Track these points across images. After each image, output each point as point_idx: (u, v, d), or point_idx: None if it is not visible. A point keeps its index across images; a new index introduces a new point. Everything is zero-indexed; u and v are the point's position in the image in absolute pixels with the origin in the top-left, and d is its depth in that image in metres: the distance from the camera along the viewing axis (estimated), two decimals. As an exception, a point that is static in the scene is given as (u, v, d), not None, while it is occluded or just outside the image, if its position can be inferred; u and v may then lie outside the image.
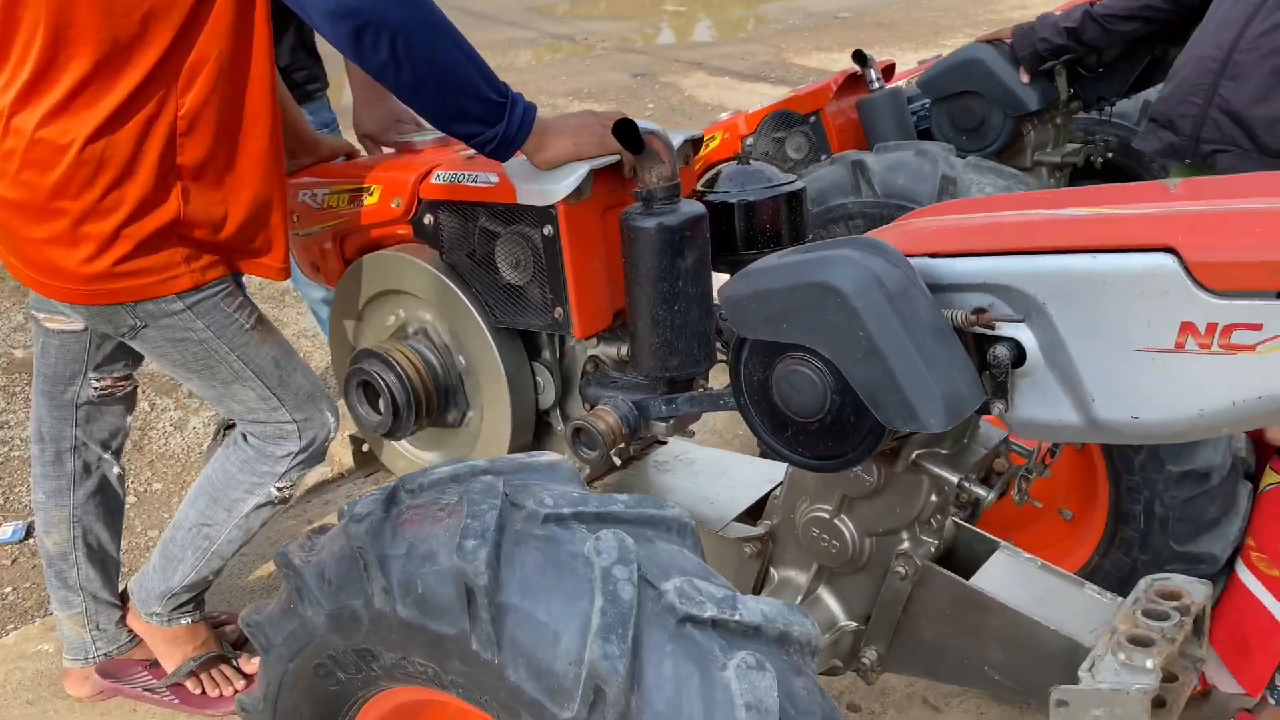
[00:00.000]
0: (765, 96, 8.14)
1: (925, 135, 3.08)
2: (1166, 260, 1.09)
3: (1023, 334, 1.22)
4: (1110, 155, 3.06)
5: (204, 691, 2.04)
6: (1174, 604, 1.39)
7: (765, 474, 1.86)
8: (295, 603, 1.21)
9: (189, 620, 2.01)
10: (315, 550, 1.20)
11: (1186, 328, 1.10)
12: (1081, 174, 3.05)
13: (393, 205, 1.79)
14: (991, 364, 1.23)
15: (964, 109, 2.82)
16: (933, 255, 1.27)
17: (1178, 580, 1.44)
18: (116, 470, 2.09)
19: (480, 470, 1.16)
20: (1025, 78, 2.73)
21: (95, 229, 1.61)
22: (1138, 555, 1.91)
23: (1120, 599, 1.46)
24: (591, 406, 1.78)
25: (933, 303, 1.22)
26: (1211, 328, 1.08)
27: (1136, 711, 1.26)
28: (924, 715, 2.18)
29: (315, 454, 1.90)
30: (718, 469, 1.90)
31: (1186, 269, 1.08)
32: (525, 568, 1.01)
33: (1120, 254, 1.12)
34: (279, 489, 1.89)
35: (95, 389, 2.00)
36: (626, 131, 1.48)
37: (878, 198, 2.35)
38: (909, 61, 4.93)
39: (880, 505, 1.51)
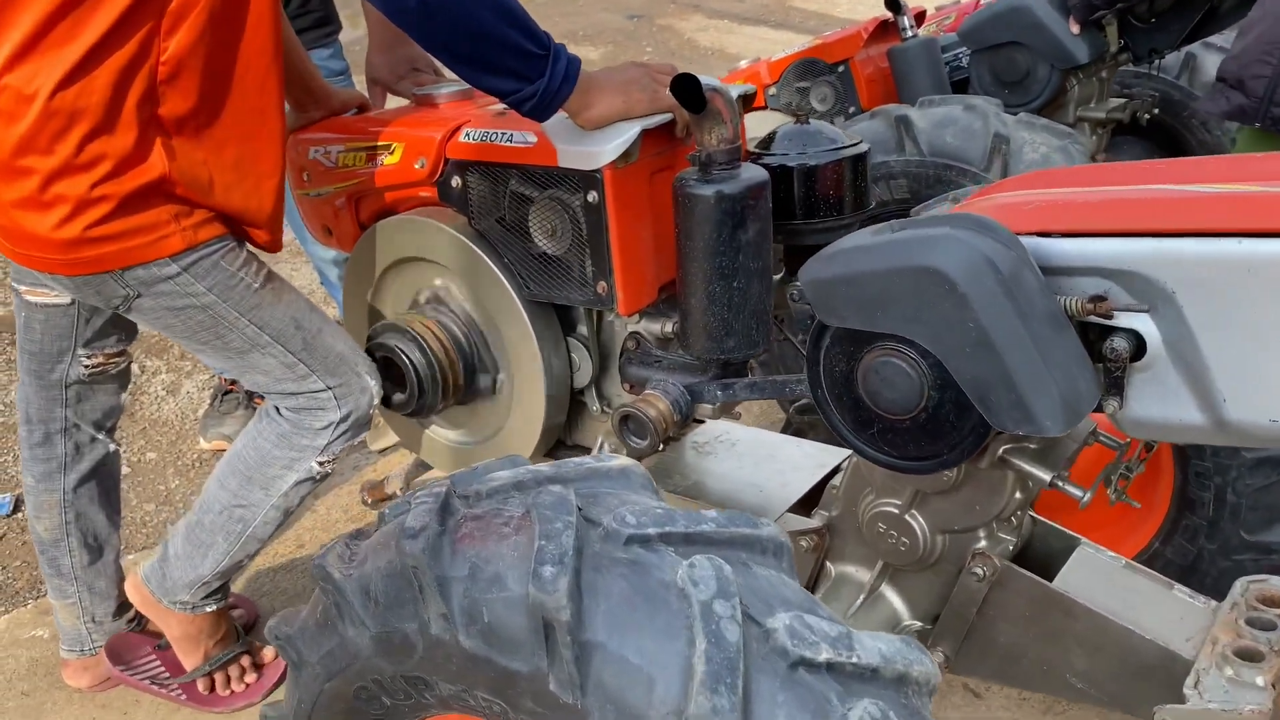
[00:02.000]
0: (765, 41, 7.91)
1: (959, 87, 2.93)
2: (1328, 248, 0.96)
3: (1144, 325, 1.09)
4: (1155, 111, 2.92)
5: (214, 689, 1.92)
6: (1278, 611, 1.29)
7: (815, 458, 1.74)
8: (334, 619, 1.08)
9: (215, 606, 1.87)
10: (357, 562, 1.07)
11: (1347, 324, 0.98)
12: (1124, 131, 2.91)
13: (416, 166, 1.64)
14: (1107, 357, 1.11)
15: (1007, 61, 2.66)
16: (1042, 234, 1.14)
17: (1278, 583, 1.34)
18: (112, 449, 1.94)
19: (546, 477, 1.03)
20: (1075, 28, 2.57)
21: (69, 189, 1.42)
22: (1204, 544, 1.81)
23: (1213, 603, 1.36)
24: (632, 387, 1.66)
25: (1047, 289, 1.10)
26: (1377, 325, 0.96)
27: (1249, 733, 1.16)
28: (965, 701, 2.09)
29: (358, 423, 1.72)
30: (763, 451, 1.77)
31: (1352, 258, 0.95)
32: (611, 599, 0.88)
33: (1273, 238, 0.99)
34: (320, 463, 1.72)
35: (86, 367, 1.83)
36: (687, 88, 1.33)
37: (923, 156, 2.21)
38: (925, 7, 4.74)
39: (959, 502, 1.40)
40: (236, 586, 2.24)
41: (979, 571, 1.40)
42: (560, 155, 1.47)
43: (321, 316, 1.71)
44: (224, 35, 1.47)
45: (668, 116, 1.47)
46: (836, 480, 1.62)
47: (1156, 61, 2.83)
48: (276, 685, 1.97)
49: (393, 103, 1.93)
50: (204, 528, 1.77)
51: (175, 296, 1.56)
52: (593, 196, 1.47)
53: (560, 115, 1.47)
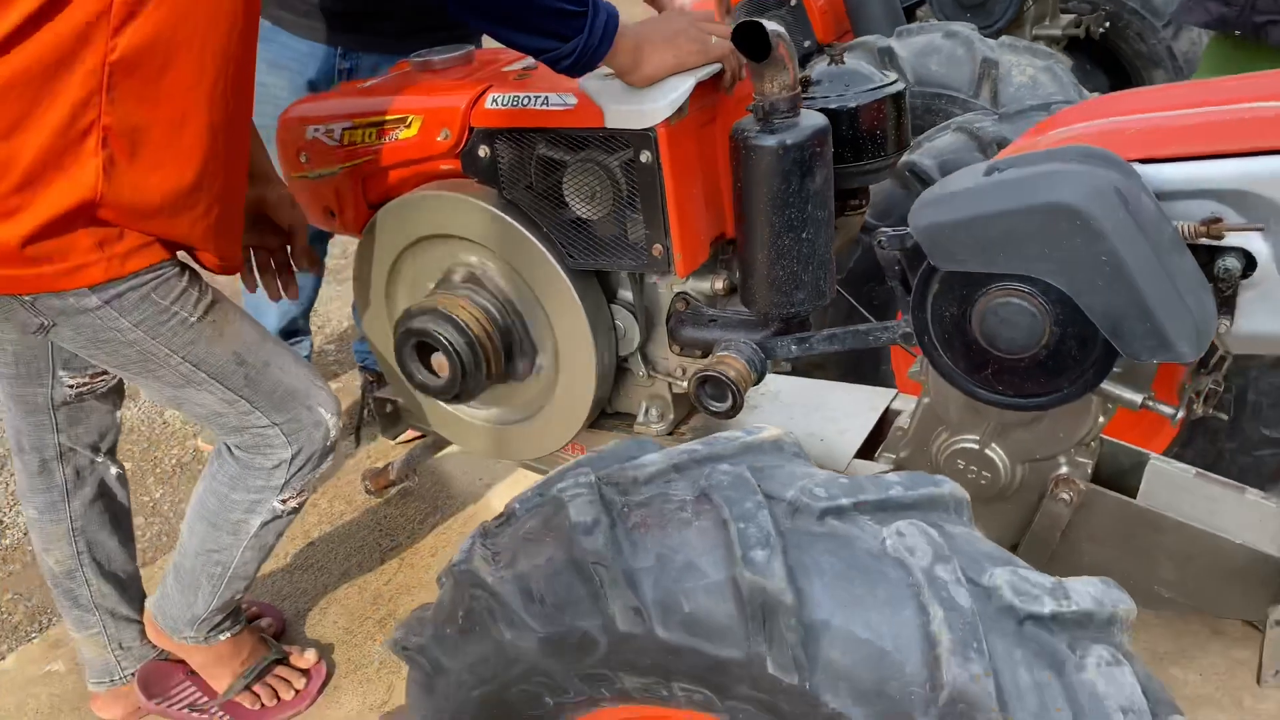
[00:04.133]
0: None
1: (909, 13, 2.93)
2: None
3: (1253, 243, 1.11)
4: (1108, 25, 2.97)
5: (261, 705, 1.83)
6: (1354, 503, 1.35)
7: (866, 401, 1.74)
8: (486, 624, 1.03)
9: (228, 635, 1.79)
10: (505, 562, 1.02)
11: None
12: (1078, 46, 2.95)
13: (439, 138, 1.55)
14: (1218, 277, 1.13)
15: (970, -16, 2.67)
16: (1145, 160, 1.14)
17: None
18: (115, 471, 1.80)
19: (705, 456, 1.00)
20: (1036, -53, 2.60)
21: None
22: (1224, 443, 1.89)
23: (1284, 502, 1.42)
24: (682, 349, 1.62)
25: (1163, 215, 1.10)
26: None
27: (1358, 623, 1.22)
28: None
29: (317, 457, 1.62)
30: (811, 401, 1.77)
31: None
32: (825, 576, 0.86)
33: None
34: (283, 501, 1.63)
35: (70, 387, 1.67)
36: (752, 36, 1.28)
37: (911, 86, 2.20)
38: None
39: (1041, 431, 1.42)
40: (256, 593, 2.14)
41: (1065, 497, 1.43)
42: (607, 115, 1.41)
43: (272, 347, 1.58)
44: (192, 30, 1.26)
45: (717, 67, 1.42)
46: (902, 421, 1.62)
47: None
48: (323, 688, 1.90)
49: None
50: (186, 570, 1.69)
51: (96, 330, 1.39)
52: (645, 156, 1.41)
53: (597, 71, 1.41)
